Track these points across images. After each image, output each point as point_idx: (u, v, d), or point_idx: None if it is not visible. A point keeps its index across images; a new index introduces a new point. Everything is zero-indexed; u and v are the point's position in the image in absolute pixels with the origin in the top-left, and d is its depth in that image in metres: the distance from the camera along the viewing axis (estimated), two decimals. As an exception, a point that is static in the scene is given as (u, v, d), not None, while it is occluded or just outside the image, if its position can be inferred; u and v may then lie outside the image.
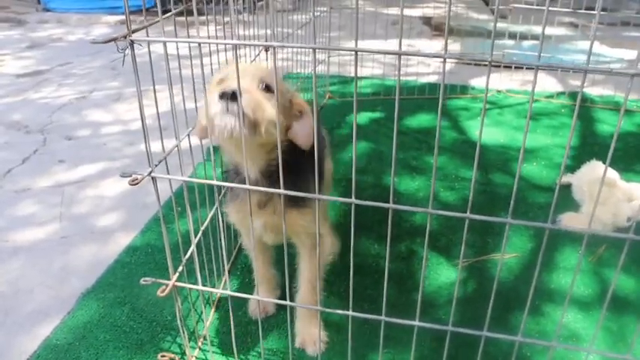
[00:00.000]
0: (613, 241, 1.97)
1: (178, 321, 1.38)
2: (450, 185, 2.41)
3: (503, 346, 1.51)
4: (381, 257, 1.91)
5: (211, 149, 1.42)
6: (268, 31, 2.09)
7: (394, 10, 5.11)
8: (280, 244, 1.44)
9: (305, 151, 1.29)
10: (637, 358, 1.49)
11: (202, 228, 1.52)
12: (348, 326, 1.21)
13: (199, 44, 1.03)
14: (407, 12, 5.88)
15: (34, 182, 2.44)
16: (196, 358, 1.49)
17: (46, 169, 2.56)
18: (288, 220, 1.21)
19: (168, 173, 1.18)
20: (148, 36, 1.01)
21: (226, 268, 1.40)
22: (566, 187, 2.33)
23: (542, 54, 0.86)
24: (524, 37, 3.67)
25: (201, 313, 1.62)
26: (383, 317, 1.15)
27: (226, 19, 1.58)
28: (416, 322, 1.13)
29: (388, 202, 0.99)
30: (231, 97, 1.07)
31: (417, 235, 2.04)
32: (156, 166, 1.13)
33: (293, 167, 1.23)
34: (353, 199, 1.01)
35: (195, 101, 1.34)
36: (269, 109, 1.15)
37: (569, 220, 2.08)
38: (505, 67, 3.77)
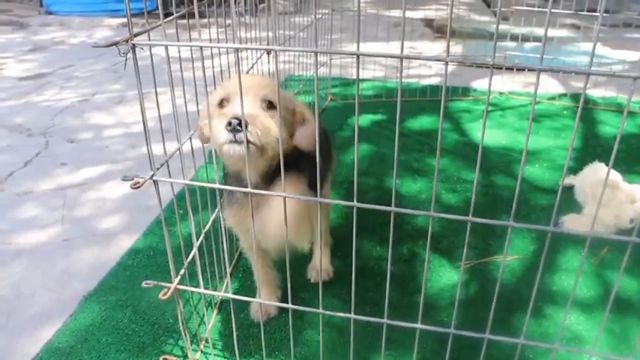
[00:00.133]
0: (616, 243, 1.96)
1: (180, 324, 1.38)
2: (452, 187, 2.41)
3: (506, 349, 1.51)
4: (383, 259, 1.91)
5: (213, 152, 1.43)
6: (270, 34, 2.09)
7: (396, 13, 5.11)
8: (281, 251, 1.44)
9: (306, 153, 1.30)
10: (640, 361, 1.49)
11: (204, 231, 1.52)
12: (350, 329, 1.21)
13: (201, 47, 1.03)
14: (409, 14, 5.88)
15: (36, 185, 2.44)
16: (198, 360, 1.49)
17: (48, 171, 2.57)
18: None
19: (170, 176, 1.18)
20: (149, 40, 1.01)
21: (228, 270, 1.40)
22: (569, 189, 2.33)
23: (544, 56, 0.86)
24: (526, 39, 3.67)
25: (203, 315, 1.62)
26: (385, 320, 1.14)
27: (228, 21, 1.58)
28: (418, 325, 1.13)
29: (390, 204, 0.99)
30: (236, 126, 1.13)
31: (419, 238, 2.04)
32: (157, 169, 1.13)
33: (292, 167, 1.24)
34: (355, 203, 1.01)
35: (197, 104, 1.34)
36: (274, 130, 1.19)
37: (571, 222, 2.07)
38: (507, 69, 3.76)
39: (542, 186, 2.43)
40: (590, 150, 2.77)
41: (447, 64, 0.85)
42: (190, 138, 1.38)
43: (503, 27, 4.24)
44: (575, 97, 3.52)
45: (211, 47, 1.04)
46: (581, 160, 2.55)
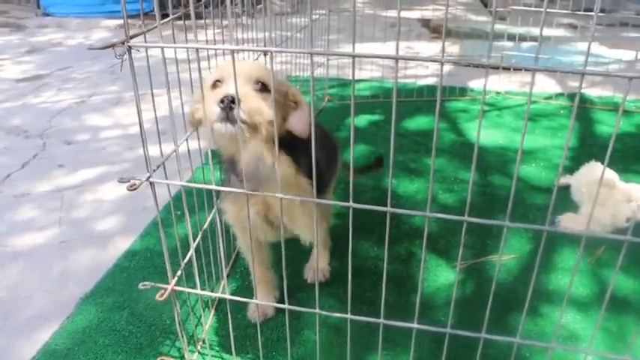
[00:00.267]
0: (612, 242, 1.97)
1: (177, 325, 1.38)
2: (449, 187, 2.41)
3: (502, 348, 1.51)
4: (380, 259, 1.91)
5: (209, 153, 1.43)
6: (267, 35, 2.10)
7: (393, 13, 5.12)
8: (276, 242, 1.43)
9: (302, 143, 1.29)
10: (636, 359, 1.49)
11: (201, 232, 1.53)
12: (346, 329, 1.21)
13: (197, 49, 1.03)
14: (405, 14, 5.89)
15: (33, 187, 2.44)
16: (196, 361, 1.49)
17: (45, 173, 2.57)
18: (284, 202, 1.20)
19: (167, 178, 1.18)
20: (145, 41, 1.01)
21: (225, 271, 1.40)
22: (565, 189, 2.33)
23: (541, 55, 0.86)
24: (523, 38, 3.68)
25: (200, 316, 1.62)
26: (382, 320, 1.15)
27: (225, 22, 1.58)
28: (414, 325, 1.13)
29: (387, 204, 1.00)
30: (229, 103, 1.12)
31: (415, 237, 2.04)
32: (154, 171, 1.13)
33: (291, 155, 1.24)
34: (351, 203, 1.02)
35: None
36: (266, 111, 1.18)
37: (567, 221, 2.08)
38: (504, 69, 3.77)
39: (538, 185, 2.43)
40: (586, 149, 2.78)
41: (442, 64, 0.85)
42: (187, 139, 1.38)
43: (500, 27, 4.25)
44: (572, 96, 3.53)
45: (207, 49, 1.04)
46: (577, 159, 2.56)
